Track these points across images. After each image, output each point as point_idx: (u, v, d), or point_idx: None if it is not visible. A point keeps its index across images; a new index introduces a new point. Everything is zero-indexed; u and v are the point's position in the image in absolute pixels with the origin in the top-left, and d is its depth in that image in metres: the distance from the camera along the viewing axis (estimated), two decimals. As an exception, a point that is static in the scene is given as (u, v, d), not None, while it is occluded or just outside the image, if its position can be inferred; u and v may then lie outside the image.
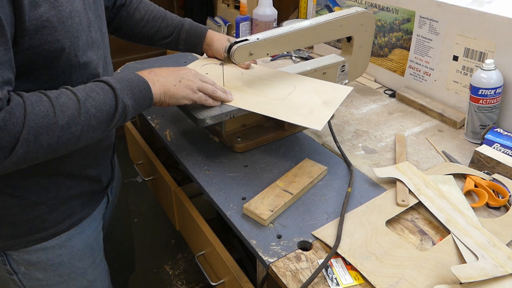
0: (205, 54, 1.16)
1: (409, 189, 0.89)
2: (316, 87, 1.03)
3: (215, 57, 1.13)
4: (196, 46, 1.11)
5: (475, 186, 0.90)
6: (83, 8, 0.75)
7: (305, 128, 1.12)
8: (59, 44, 0.69)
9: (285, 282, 0.71)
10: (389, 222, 0.83)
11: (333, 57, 1.21)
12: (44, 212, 0.82)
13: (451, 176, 0.93)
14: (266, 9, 1.53)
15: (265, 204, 0.85)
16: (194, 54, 1.43)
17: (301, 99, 0.99)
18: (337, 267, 0.74)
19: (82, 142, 0.71)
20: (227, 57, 0.99)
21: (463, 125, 1.13)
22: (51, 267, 0.87)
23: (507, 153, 0.96)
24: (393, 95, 1.32)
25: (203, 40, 1.11)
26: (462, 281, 0.66)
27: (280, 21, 1.61)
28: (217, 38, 1.11)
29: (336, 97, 0.99)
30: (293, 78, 1.07)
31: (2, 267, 0.84)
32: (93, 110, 0.70)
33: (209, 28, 1.13)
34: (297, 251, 0.77)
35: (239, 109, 0.95)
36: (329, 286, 0.71)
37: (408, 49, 1.28)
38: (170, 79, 0.86)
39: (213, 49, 1.11)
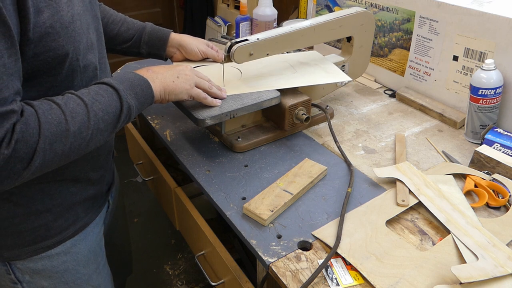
0: (169, 59, 1.14)
1: (409, 189, 0.89)
2: (302, 59, 1.17)
3: (188, 60, 1.12)
4: (160, 48, 1.09)
5: (475, 186, 0.90)
6: (82, 11, 0.74)
7: (305, 128, 1.13)
8: (63, 49, 0.68)
9: (285, 282, 0.71)
10: (389, 222, 0.83)
11: (333, 57, 1.21)
12: (49, 220, 0.81)
13: (451, 176, 0.93)
14: (266, 9, 1.53)
15: (265, 204, 0.85)
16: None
17: (308, 68, 1.11)
18: (337, 267, 0.74)
19: (91, 146, 0.71)
20: (227, 57, 0.99)
21: (463, 125, 1.13)
22: (56, 274, 0.86)
23: (507, 153, 0.96)
24: (393, 95, 1.32)
25: (167, 42, 1.09)
26: (462, 281, 0.66)
27: (280, 21, 1.61)
28: (188, 39, 1.10)
29: (323, 60, 1.16)
30: (281, 58, 1.16)
31: (6, 277, 0.84)
32: (101, 113, 0.70)
33: (172, 31, 1.11)
34: (297, 251, 0.77)
35: (240, 109, 0.95)
36: (329, 286, 0.71)
37: (408, 49, 1.28)
38: (168, 76, 0.86)
39: (186, 50, 1.10)
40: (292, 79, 1.07)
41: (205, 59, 1.14)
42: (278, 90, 1.03)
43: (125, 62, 1.53)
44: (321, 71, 1.10)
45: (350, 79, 1.06)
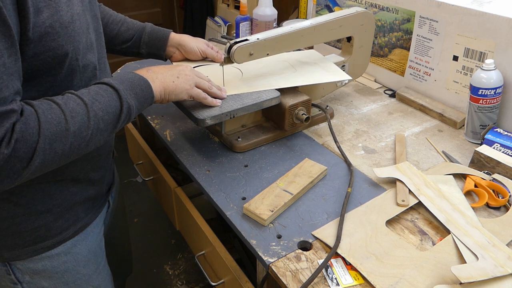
0: (169, 60, 1.13)
1: (409, 189, 0.89)
2: (302, 58, 1.16)
3: (187, 60, 1.12)
4: (159, 48, 1.09)
5: (475, 186, 0.90)
6: (82, 10, 0.74)
7: (305, 128, 1.13)
8: (63, 49, 0.68)
9: (285, 282, 0.71)
10: (389, 222, 0.83)
11: (333, 57, 1.21)
12: (50, 220, 0.81)
13: (451, 176, 0.93)
14: (266, 9, 1.53)
15: (265, 204, 0.85)
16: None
17: (308, 67, 1.12)
18: (337, 267, 0.74)
19: (91, 146, 0.71)
20: (227, 58, 0.99)
21: (463, 125, 1.13)
22: (56, 274, 0.86)
23: (507, 153, 0.96)
24: (393, 95, 1.32)
25: (167, 42, 1.09)
26: (462, 281, 0.67)
27: (280, 21, 1.61)
28: (187, 39, 1.10)
29: (322, 59, 1.16)
30: (280, 57, 1.16)
31: (6, 277, 0.83)
32: (101, 113, 0.70)
33: (172, 31, 1.11)
34: (297, 251, 0.77)
35: (240, 109, 0.95)
36: (329, 286, 0.71)
37: (408, 49, 1.28)
38: (168, 76, 0.86)
39: (186, 49, 1.10)
40: (293, 78, 1.07)
41: (204, 59, 1.14)
42: (278, 90, 1.03)
43: (125, 62, 1.53)
44: (321, 70, 1.11)
45: (350, 77, 1.07)
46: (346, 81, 1.22)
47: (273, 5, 1.55)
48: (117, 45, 1.07)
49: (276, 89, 1.03)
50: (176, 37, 1.10)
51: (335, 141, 1.03)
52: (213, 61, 1.13)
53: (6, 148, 0.60)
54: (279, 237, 0.80)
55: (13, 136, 0.61)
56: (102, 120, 0.71)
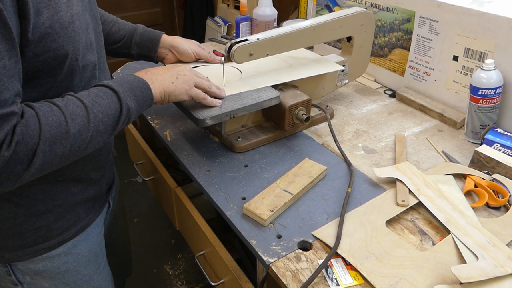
0: (160, 62, 1.13)
1: (409, 189, 0.89)
2: (291, 54, 1.19)
3: (181, 61, 1.12)
4: (150, 50, 1.08)
5: (475, 186, 0.90)
6: (81, 10, 0.74)
7: (305, 128, 1.13)
8: (63, 50, 0.68)
9: (285, 282, 0.71)
10: (389, 222, 0.83)
11: (333, 57, 1.21)
12: (50, 221, 0.81)
13: (451, 176, 0.93)
14: (266, 9, 1.53)
15: (265, 204, 0.85)
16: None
17: (302, 62, 1.15)
18: (337, 267, 0.74)
19: (90, 147, 0.71)
20: (227, 57, 0.99)
21: (463, 125, 1.13)
22: (57, 275, 0.86)
23: (507, 153, 0.96)
24: (393, 95, 1.32)
25: (158, 43, 1.08)
26: (462, 281, 0.67)
27: (280, 21, 1.61)
28: (180, 40, 1.10)
29: (311, 53, 1.20)
30: (277, 56, 1.17)
31: (7, 278, 0.84)
32: (100, 115, 0.71)
33: (164, 33, 1.11)
34: (297, 251, 0.77)
35: (240, 109, 0.95)
36: (329, 286, 0.71)
37: (408, 49, 1.28)
38: (167, 77, 0.86)
39: (179, 51, 1.09)
40: (292, 72, 1.09)
41: (197, 60, 1.14)
42: (278, 90, 1.03)
43: (125, 62, 1.53)
44: (314, 63, 1.14)
45: (342, 67, 1.13)
46: (346, 81, 1.22)
47: (273, 5, 1.55)
48: (107, 46, 1.06)
49: (276, 87, 1.03)
50: (168, 39, 1.10)
51: (335, 141, 1.03)
52: (206, 62, 1.13)
53: (6, 150, 0.60)
54: (279, 237, 0.80)
55: (13, 139, 0.61)
56: (101, 122, 0.71)
